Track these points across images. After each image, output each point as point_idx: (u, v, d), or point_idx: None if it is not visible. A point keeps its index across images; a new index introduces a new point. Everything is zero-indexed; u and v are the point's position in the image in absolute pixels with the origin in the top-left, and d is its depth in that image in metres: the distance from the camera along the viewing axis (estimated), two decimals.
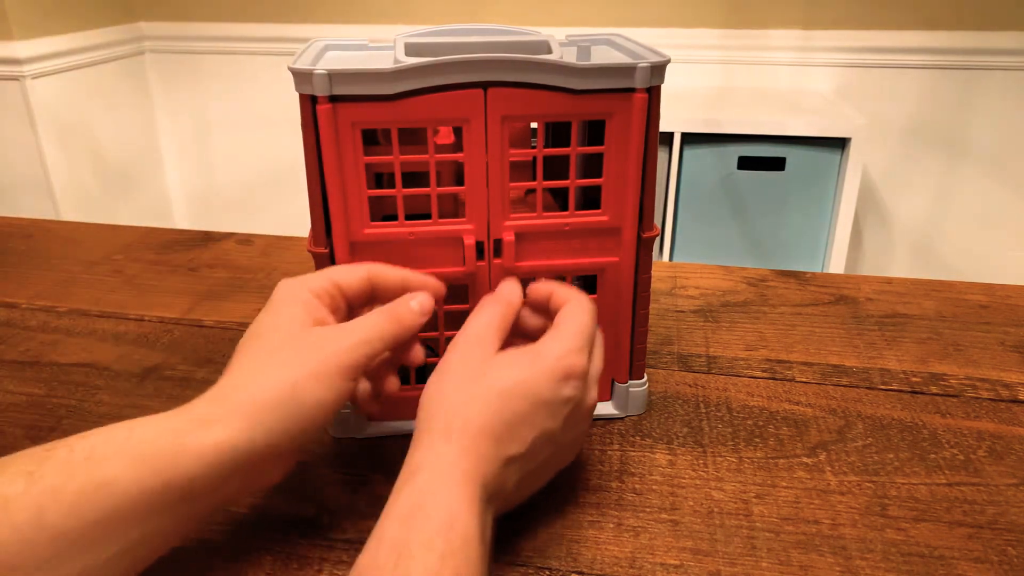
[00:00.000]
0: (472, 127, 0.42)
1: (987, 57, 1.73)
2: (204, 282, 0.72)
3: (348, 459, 0.47)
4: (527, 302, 0.43)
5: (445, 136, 0.49)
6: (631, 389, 0.50)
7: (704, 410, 0.52)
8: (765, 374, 0.56)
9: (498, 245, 0.45)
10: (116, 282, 0.72)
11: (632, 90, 0.42)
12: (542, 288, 0.43)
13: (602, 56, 0.47)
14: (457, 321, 0.42)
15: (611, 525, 0.42)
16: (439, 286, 0.43)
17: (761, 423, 0.51)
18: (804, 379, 0.56)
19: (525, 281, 0.44)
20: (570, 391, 0.38)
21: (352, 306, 0.43)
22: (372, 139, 0.47)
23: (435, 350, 0.50)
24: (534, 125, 0.58)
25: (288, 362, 0.37)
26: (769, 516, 0.42)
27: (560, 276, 0.47)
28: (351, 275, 0.42)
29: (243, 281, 0.72)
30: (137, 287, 0.71)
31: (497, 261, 0.45)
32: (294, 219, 2.12)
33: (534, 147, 0.56)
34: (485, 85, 0.41)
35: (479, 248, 0.45)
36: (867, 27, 1.76)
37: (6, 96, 1.78)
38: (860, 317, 0.65)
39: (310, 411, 0.36)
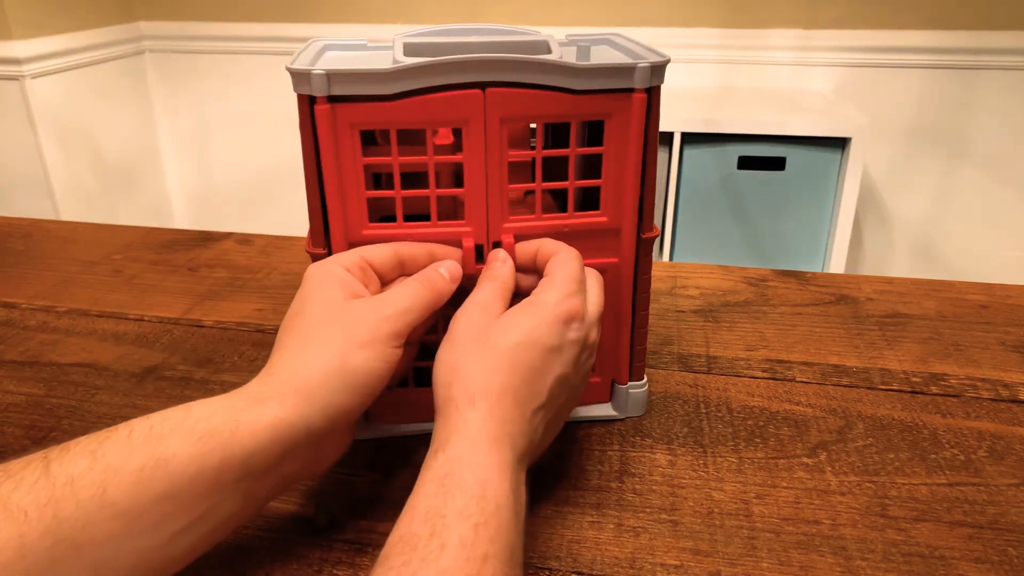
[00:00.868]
0: (471, 128, 0.42)
1: (988, 57, 1.73)
2: (204, 282, 0.72)
3: (348, 459, 0.47)
4: (516, 264, 0.44)
5: (444, 136, 0.49)
6: (631, 391, 0.50)
7: (704, 410, 0.52)
8: (765, 374, 0.56)
9: (497, 247, 0.45)
10: (115, 282, 0.72)
11: (632, 90, 0.42)
12: (528, 247, 0.44)
13: (602, 56, 0.47)
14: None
15: (611, 526, 0.42)
16: (460, 256, 0.44)
17: (761, 423, 0.51)
18: (804, 379, 0.56)
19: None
20: (574, 333, 0.39)
21: (384, 281, 0.43)
22: (371, 139, 0.47)
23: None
24: (533, 125, 0.58)
25: (333, 336, 0.37)
26: (769, 516, 0.42)
27: None
28: (380, 251, 0.43)
29: (243, 281, 0.72)
30: (137, 287, 0.71)
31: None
32: (293, 219, 2.12)
33: (533, 148, 0.56)
34: (484, 85, 0.41)
35: (478, 250, 0.45)
36: (867, 27, 1.76)
37: (6, 96, 1.78)
38: (860, 317, 0.65)
39: (362, 381, 0.37)
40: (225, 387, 0.49)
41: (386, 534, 0.41)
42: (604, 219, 0.45)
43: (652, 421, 0.51)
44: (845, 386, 0.55)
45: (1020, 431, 0.50)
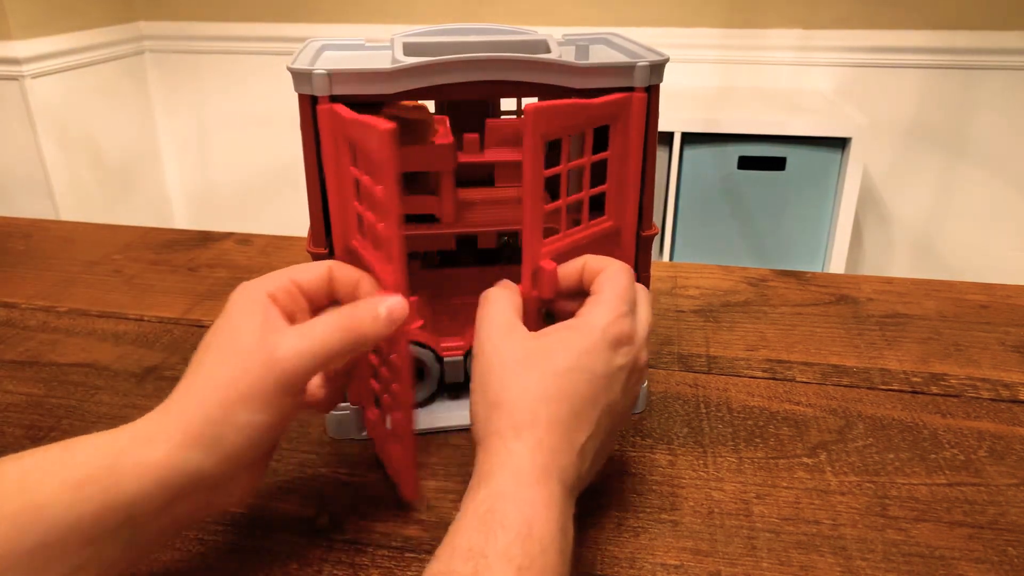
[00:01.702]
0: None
1: (988, 57, 1.73)
2: (203, 282, 0.72)
3: (348, 459, 0.47)
4: (561, 288, 0.41)
5: (443, 136, 0.49)
6: None
7: (704, 410, 0.52)
8: (765, 374, 0.56)
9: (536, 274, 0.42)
10: (115, 282, 0.72)
11: (631, 89, 0.42)
12: (572, 266, 0.41)
13: (600, 56, 0.47)
14: None
15: (611, 525, 0.42)
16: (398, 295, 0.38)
17: (761, 423, 0.51)
18: (804, 379, 0.56)
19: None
20: (622, 359, 0.37)
21: (315, 306, 0.40)
22: None
23: (433, 351, 0.50)
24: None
25: (224, 381, 0.34)
26: (769, 516, 0.42)
27: None
28: (311, 273, 0.39)
29: (242, 281, 0.72)
30: (136, 287, 0.71)
31: (535, 293, 0.42)
32: (294, 219, 2.12)
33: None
34: (484, 85, 0.41)
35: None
36: (867, 27, 1.76)
37: (6, 96, 1.78)
38: (860, 317, 0.65)
39: (245, 433, 0.33)
40: None
41: (386, 534, 0.41)
42: (610, 223, 0.45)
43: (652, 421, 0.51)
44: (845, 386, 0.55)
45: (1020, 431, 0.50)
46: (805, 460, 0.47)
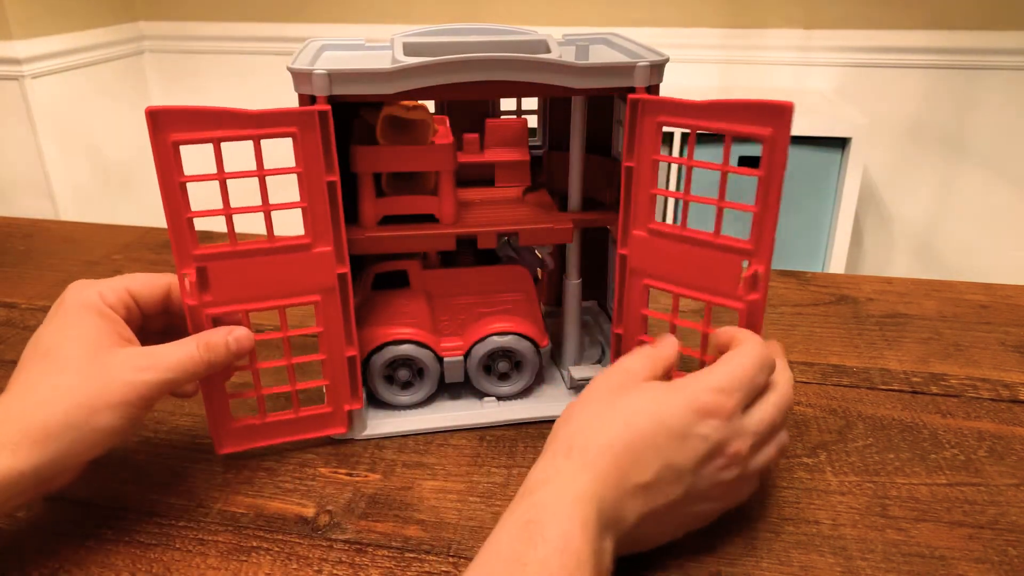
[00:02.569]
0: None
1: (988, 57, 1.73)
2: None
3: (348, 459, 0.47)
4: (712, 350, 0.42)
5: (443, 136, 0.49)
6: None
7: None
8: None
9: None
10: None
11: (631, 89, 0.42)
12: (721, 335, 0.41)
13: (600, 56, 0.47)
14: None
15: None
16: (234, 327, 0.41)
17: None
18: (804, 379, 0.56)
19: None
20: (706, 429, 0.35)
21: (146, 316, 0.42)
22: (371, 138, 0.47)
23: (433, 350, 0.50)
24: (532, 125, 0.58)
25: (83, 387, 0.36)
26: (769, 516, 0.42)
27: None
28: (148, 287, 0.42)
29: None
30: None
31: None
32: (294, 218, 2.12)
33: (533, 147, 0.57)
34: (485, 84, 0.41)
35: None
36: (867, 27, 1.76)
37: (6, 96, 1.78)
38: (860, 317, 0.65)
39: (103, 437, 0.36)
40: None
41: (386, 534, 0.41)
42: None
43: None
44: (845, 386, 0.55)
45: (1020, 431, 0.50)
46: (805, 460, 0.47)
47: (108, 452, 0.38)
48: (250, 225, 0.47)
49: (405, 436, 0.49)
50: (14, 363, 0.39)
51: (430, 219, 0.48)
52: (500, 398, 0.52)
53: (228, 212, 0.41)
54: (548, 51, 0.44)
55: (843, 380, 0.56)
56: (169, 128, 0.38)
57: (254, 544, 0.40)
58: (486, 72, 0.41)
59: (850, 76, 1.81)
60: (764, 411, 0.38)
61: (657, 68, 0.42)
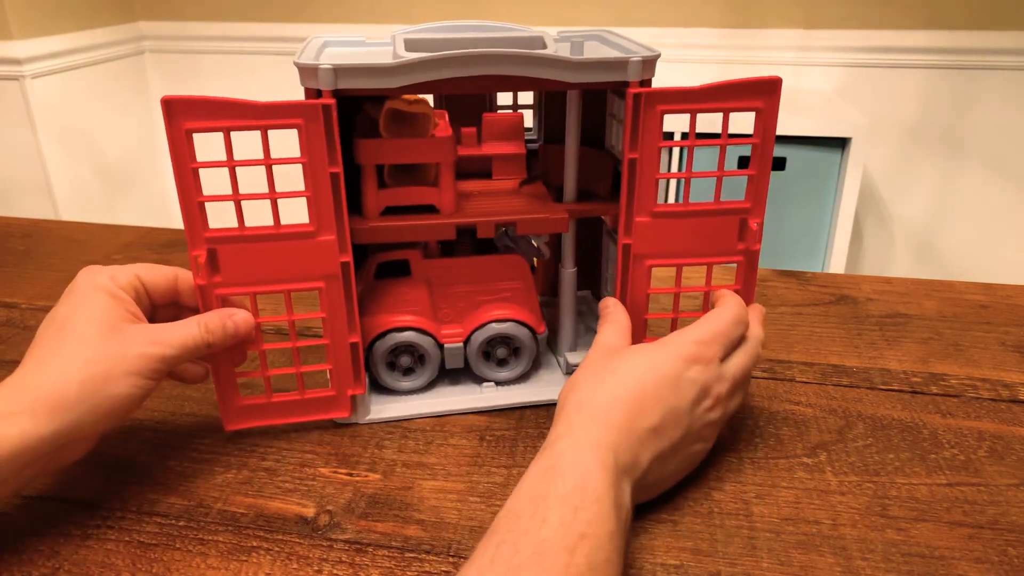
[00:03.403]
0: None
1: (988, 57, 1.73)
2: None
3: (348, 459, 0.47)
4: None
5: (443, 129, 0.49)
6: None
7: None
8: (765, 374, 0.56)
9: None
10: None
11: (625, 83, 0.43)
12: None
13: (594, 51, 0.48)
14: None
15: None
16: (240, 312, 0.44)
17: (761, 423, 0.51)
18: (804, 379, 0.56)
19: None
20: (693, 373, 0.41)
21: (154, 304, 0.44)
22: (373, 131, 0.47)
23: (434, 337, 0.50)
24: (528, 123, 0.59)
25: (102, 357, 0.38)
26: (769, 516, 0.42)
27: None
28: (158, 276, 0.44)
29: None
30: None
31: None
32: (294, 218, 2.12)
33: (528, 140, 0.57)
34: (483, 79, 0.42)
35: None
36: (867, 26, 1.76)
37: (6, 96, 1.78)
38: (860, 317, 0.65)
39: (120, 404, 0.38)
40: None
41: (386, 534, 0.41)
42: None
43: None
44: (845, 386, 0.55)
45: (1020, 431, 0.50)
46: (805, 460, 0.47)
47: (109, 444, 0.38)
48: (258, 220, 0.47)
49: (405, 436, 0.49)
50: (14, 363, 0.39)
51: (431, 210, 0.49)
52: (499, 383, 0.53)
53: (237, 198, 0.43)
54: (544, 47, 0.45)
55: (843, 380, 0.56)
56: (183, 117, 0.39)
57: (254, 544, 0.40)
58: (485, 67, 0.42)
59: (850, 76, 1.82)
60: (739, 360, 0.44)
61: (649, 63, 0.43)
